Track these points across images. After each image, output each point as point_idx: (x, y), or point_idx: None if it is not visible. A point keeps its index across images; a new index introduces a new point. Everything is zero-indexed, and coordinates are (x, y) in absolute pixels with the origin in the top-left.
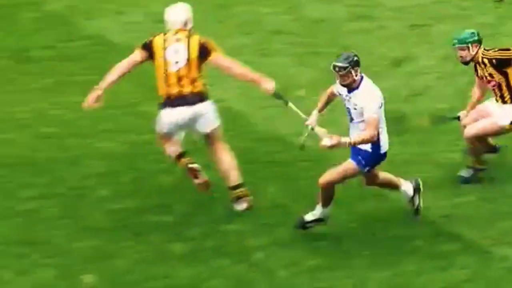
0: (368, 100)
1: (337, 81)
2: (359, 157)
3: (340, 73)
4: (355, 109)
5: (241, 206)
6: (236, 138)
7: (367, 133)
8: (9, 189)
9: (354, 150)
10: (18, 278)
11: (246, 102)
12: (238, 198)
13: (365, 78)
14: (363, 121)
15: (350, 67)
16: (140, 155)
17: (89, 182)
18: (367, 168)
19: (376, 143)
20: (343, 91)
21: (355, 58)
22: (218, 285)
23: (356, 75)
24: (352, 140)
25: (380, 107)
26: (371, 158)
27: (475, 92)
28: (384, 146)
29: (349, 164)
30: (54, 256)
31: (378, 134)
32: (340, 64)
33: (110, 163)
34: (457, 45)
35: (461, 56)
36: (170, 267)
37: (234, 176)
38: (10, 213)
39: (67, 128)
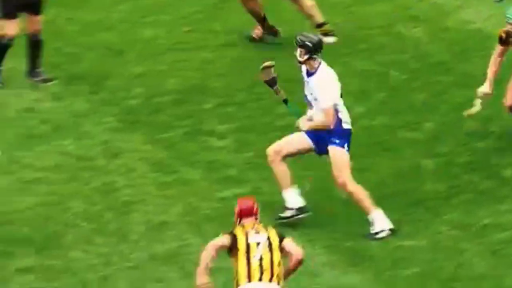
0: (322, 91)
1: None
2: (337, 140)
3: (298, 45)
4: (311, 94)
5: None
6: (485, 59)
7: (322, 120)
8: (267, 106)
9: (327, 137)
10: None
11: (497, 23)
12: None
13: (323, 65)
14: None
15: (307, 43)
16: (393, 74)
17: (344, 100)
18: (348, 149)
19: (338, 121)
20: (304, 73)
21: (316, 41)
22: (469, 199)
23: (302, 57)
24: (310, 125)
25: (335, 92)
26: (344, 137)
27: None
28: (347, 122)
29: (340, 152)
30: (309, 170)
31: (337, 112)
32: (298, 38)
33: (364, 81)
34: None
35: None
36: (421, 181)
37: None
38: (269, 129)
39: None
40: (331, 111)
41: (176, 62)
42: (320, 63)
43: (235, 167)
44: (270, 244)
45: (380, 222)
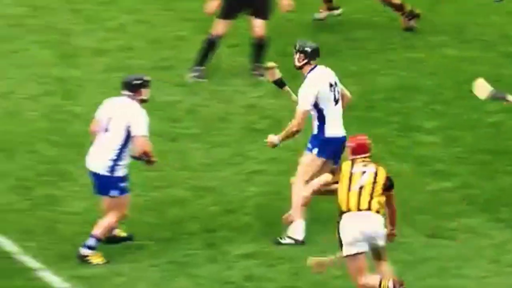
0: (302, 90)
1: None
2: (309, 145)
3: (297, 51)
4: None
5: None
6: None
7: (292, 123)
8: (475, 103)
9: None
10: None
11: None
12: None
13: (317, 69)
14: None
15: (297, 50)
16: None
17: None
18: (321, 155)
19: (320, 127)
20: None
21: (314, 48)
22: None
23: (300, 62)
24: (280, 136)
25: (318, 95)
26: (317, 142)
27: None
28: (330, 130)
29: (306, 157)
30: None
31: (324, 117)
32: (298, 44)
33: None
34: None
35: None
36: None
37: None
38: (478, 124)
39: None
40: (301, 114)
41: (388, 62)
42: (312, 69)
43: (444, 161)
44: (375, 177)
45: (296, 230)
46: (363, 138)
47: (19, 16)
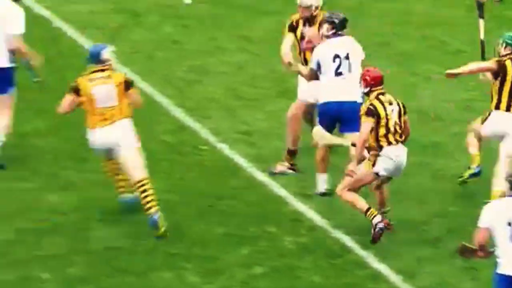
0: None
1: None
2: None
3: (326, 21)
4: None
5: None
6: None
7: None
8: None
9: None
10: None
11: None
12: None
13: (338, 38)
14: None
15: (326, 20)
16: None
17: None
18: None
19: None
20: None
21: (335, 19)
22: None
23: (328, 31)
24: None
25: (318, 58)
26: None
27: None
28: (322, 99)
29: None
30: None
31: (322, 84)
32: (327, 15)
33: None
34: None
35: None
36: None
37: None
38: None
39: None
40: (307, 71)
41: None
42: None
43: None
44: (400, 111)
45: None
46: (378, 71)
47: None
